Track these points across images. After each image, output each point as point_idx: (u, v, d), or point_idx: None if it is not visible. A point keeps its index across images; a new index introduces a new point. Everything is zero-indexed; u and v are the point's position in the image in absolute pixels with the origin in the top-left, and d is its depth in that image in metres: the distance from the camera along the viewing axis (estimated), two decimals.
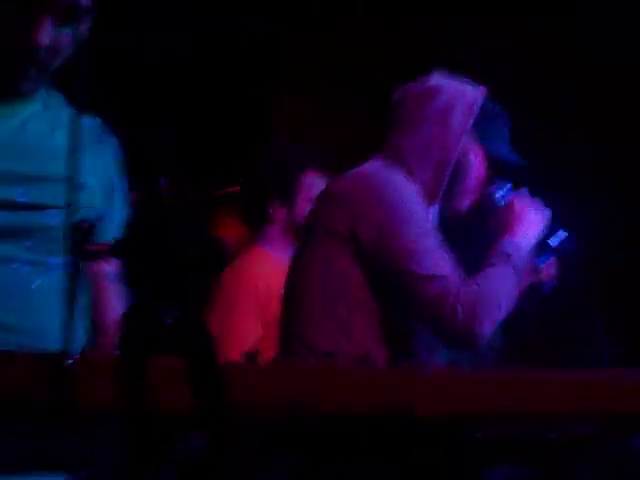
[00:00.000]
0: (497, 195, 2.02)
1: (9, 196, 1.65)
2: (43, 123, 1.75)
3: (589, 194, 3.14)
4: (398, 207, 1.94)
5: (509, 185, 2.01)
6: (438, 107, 2.02)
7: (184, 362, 0.90)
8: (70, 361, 0.97)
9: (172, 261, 0.88)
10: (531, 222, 2.01)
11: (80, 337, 1.66)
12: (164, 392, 0.95)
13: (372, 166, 2.03)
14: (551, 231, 2.02)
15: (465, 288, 1.85)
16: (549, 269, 2.08)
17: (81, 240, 1.05)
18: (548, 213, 2.02)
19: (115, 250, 0.92)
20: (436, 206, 2.00)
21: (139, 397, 0.89)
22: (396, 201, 1.94)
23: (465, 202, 2.06)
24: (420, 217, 1.93)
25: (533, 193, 2.06)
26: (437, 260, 1.88)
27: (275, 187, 2.65)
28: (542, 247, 2.03)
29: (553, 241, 2.03)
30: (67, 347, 0.97)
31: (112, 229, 1.74)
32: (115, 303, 1.74)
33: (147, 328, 0.90)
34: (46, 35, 1.61)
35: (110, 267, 1.74)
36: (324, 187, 2.14)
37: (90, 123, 1.76)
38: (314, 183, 2.60)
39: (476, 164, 2.06)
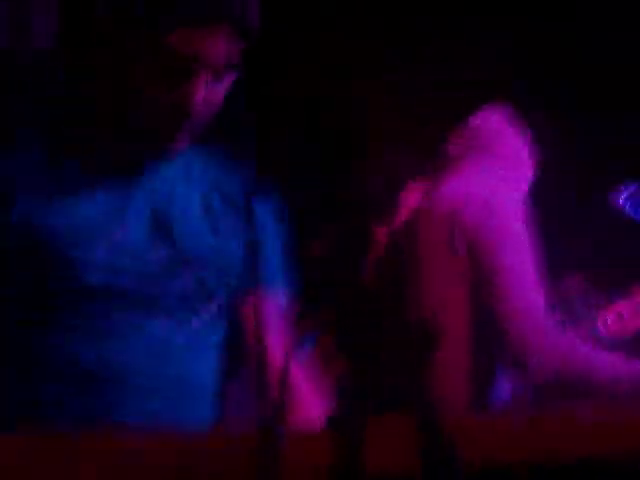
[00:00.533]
0: (622, 198, 1.96)
1: (144, 261, 1.67)
2: (183, 183, 1.77)
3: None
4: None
5: (634, 186, 1.95)
6: None
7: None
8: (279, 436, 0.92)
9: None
10: None
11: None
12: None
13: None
14: None
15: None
16: None
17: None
18: None
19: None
20: None
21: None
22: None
23: None
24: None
25: None
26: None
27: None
28: None
29: None
30: (276, 423, 0.92)
31: (263, 276, 1.72)
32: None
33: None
34: (201, 95, 1.61)
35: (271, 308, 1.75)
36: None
37: (233, 174, 1.83)
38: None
39: None
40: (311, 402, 1.72)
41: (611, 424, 1.15)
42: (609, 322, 2.32)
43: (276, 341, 1.63)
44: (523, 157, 2.09)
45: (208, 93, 1.62)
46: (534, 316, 1.87)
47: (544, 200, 2.07)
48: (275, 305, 1.77)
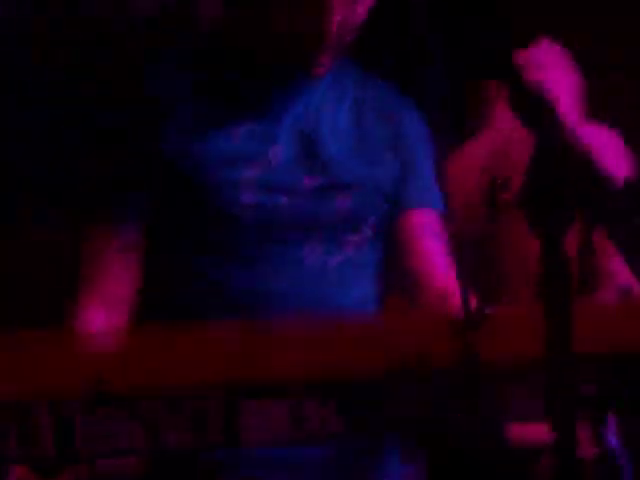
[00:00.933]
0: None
1: (298, 181, 1.66)
2: (331, 104, 1.75)
3: None
4: None
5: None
6: None
7: None
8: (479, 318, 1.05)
9: None
10: None
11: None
12: None
13: None
14: None
15: None
16: None
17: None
18: None
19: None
20: None
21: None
22: None
23: None
24: None
25: None
26: None
27: None
28: None
29: None
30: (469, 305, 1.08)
31: (414, 185, 1.76)
32: (439, 258, 1.72)
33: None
34: (336, 18, 1.58)
35: (431, 224, 1.76)
36: None
37: (384, 91, 1.80)
38: None
39: None
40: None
41: None
42: None
43: (437, 248, 1.72)
44: None
45: (344, 13, 1.59)
46: None
47: None
48: (430, 221, 1.76)
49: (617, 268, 1.87)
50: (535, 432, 1.19)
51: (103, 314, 1.63)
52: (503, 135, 2.52)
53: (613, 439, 1.65)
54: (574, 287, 0.94)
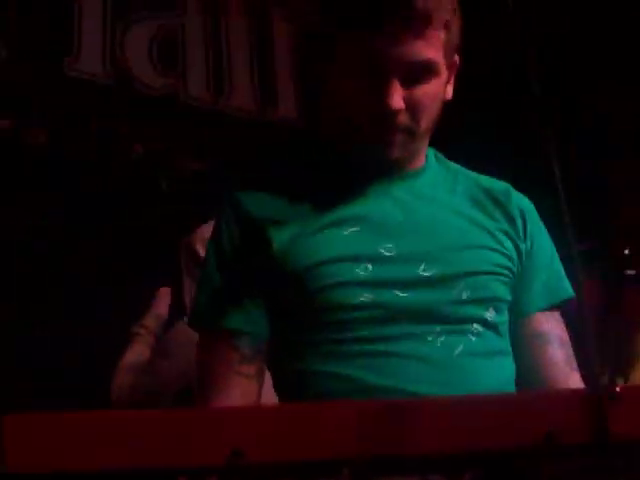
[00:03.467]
0: None
1: (414, 274, 1.63)
2: (442, 194, 1.74)
3: None
4: None
5: None
6: None
7: None
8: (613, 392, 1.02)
9: None
10: None
11: None
12: None
13: None
14: None
15: None
16: None
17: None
18: None
19: None
20: None
21: None
22: None
23: None
24: None
25: None
26: None
27: None
28: None
29: None
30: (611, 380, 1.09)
31: (535, 287, 1.74)
32: (564, 368, 1.71)
33: None
34: (397, 97, 1.59)
35: (553, 329, 1.74)
36: None
37: (497, 187, 1.79)
38: None
39: None
40: None
41: None
42: None
43: (560, 356, 1.71)
44: None
45: (409, 97, 1.61)
46: None
47: None
48: (552, 326, 1.74)
49: None
50: None
51: None
52: None
53: None
54: None
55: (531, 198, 1.82)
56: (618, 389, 1.05)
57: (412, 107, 1.62)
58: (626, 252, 2.72)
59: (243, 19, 4.71)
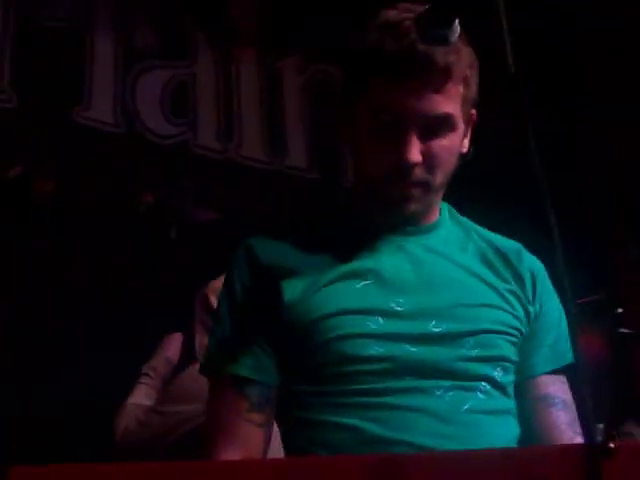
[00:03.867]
0: None
1: (424, 329, 1.63)
2: (454, 250, 1.75)
3: None
4: None
5: None
6: None
7: None
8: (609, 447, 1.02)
9: None
10: None
11: None
12: None
13: None
14: None
15: None
16: None
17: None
18: None
19: None
20: None
21: None
22: None
23: None
24: None
25: None
26: None
27: None
28: None
29: None
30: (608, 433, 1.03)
31: (542, 351, 1.74)
32: (567, 431, 1.69)
33: None
34: (415, 151, 1.60)
35: (557, 392, 1.73)
36: None
37: (508, 246, 1.79)
38: None
39: None
40: None
41: None
42: None
43: (564, 419, 1.70)
44: None
45: (426, 151, 1.61)
46: None
47: None
48: (557, 389, 1.74)
49: None
50: None
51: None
52: None
53: None
54: None
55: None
56: (613, 445, 1.05)
57: (429, 161, 1.63)
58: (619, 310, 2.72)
59: (254, 69, 4.73)
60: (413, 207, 1.67)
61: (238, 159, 4.55)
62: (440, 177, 1.67)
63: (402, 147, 1.60)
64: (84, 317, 3.74)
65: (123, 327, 3.71)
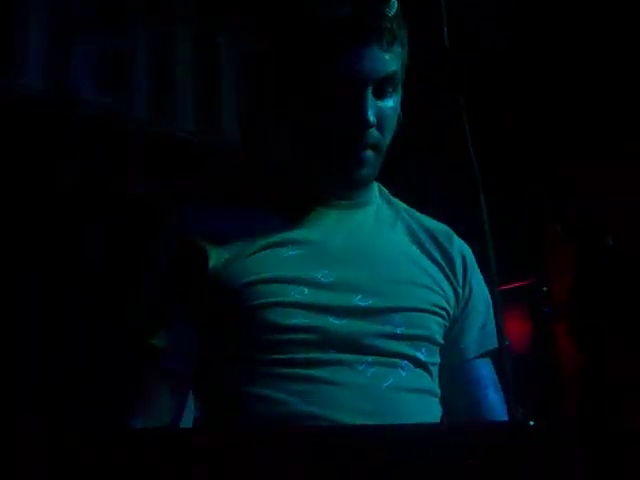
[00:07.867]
0: None
1: (349, 302, 1.62)
2: (384, 228, 1.75)
3: None
4: None
5: None
6: None
7: None
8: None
9: None
10: None
11: None
12: None
13: None
14: None
15: None
16: None
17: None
18: None
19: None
20: None
21: None
22: None
23: None
24: None
25: None
26: None
27: None
28: None
29: None
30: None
31: (472, 334, 1.75)
32: (500, 409, 1.71)
33: None
34: (372, 112, 1.59)
35: (489, 374, 1.75)
36: None
37: (438, 228, 1.80)
38: None
39: None
40: None
41: None
42: None
43: (497, 399, 1.73)
44: None
45: (378, 113, 1.61)
46: None
47: None
48: (489, 370, 1.77)
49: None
50: None
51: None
52: None
53: None
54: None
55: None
56: (531, 423, 1.06)
57: (380, 122, 1.63)
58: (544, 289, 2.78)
59: (190, 40, 4.69)
60: (364, 171, 1.66)
61: (171, 131, 4.51)
62: (388, 139, 1.66)
63: (359, 108, 1.59)
64: None
65: None
